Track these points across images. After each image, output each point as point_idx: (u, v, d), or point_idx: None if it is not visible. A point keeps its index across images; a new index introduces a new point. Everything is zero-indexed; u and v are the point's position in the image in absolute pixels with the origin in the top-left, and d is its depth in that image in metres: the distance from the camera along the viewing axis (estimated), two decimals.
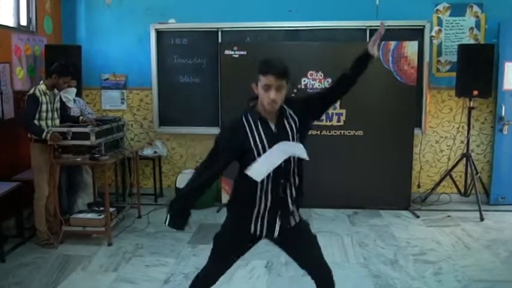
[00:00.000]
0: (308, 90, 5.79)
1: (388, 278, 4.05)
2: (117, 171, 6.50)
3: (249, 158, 2.59)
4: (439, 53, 6.21)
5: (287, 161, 2.57)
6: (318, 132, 5.85)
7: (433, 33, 6.15)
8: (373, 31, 6.02)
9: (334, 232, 5.18)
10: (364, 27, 6.07)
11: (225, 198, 6.01)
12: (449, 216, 5.74)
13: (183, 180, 6.07)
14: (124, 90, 6.60)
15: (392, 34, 5.89)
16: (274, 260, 4.39)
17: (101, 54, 6.50)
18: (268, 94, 2.51)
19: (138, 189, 5.86)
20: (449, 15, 6.14)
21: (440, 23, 6.16)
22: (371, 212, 5.87)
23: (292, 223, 2.74)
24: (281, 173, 2.58)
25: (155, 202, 6.38)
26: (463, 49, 5.78)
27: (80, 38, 6.52)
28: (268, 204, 2.65)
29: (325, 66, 5.77)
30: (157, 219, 5.61)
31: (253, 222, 2.69)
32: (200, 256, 4.48)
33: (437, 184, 6.22)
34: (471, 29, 6.12)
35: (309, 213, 5.79)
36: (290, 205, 2.70)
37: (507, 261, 4.40)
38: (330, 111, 5.79)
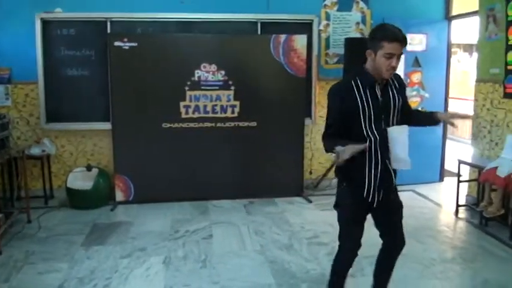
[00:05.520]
0: (201, 82, 5.76)
1: (283, 262, 4.18)
2: (4, 174, 6.04)
3: (354, 122, 2.69)
4: (327, 46, 6.48)
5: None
6: (213, 124, 5.87)
7: (321, 27, 6.40)
8: (264, 24, 6.17)
9: (231, 222, 5.25)
10: (255, 20, 6.16)
11: (119, 196, 5.85)
12: None
13: (74, 179, 5.80)
14: (8, 85, 6.12)
15: (282, 28, 6.11)
16: (172, 254, 4.35)
17: None
18: (390, 61, 2.59)
19: (27, 192, 5.47)
20: (337, 10, 6.44)
21: (328, 17, 6.42)
22: (266, 200, 6.01)
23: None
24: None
25: (45, 204, 5.96)
26: (349, 42, 6.03)
27: None
28: (378, 172, 2.75)
29: (218, 59, 5.76)
30: (49, 223, 5.28)
31: (366, 189, 2.78)
32: (94, 258, 4.28)
33: (328, 170, 6.49)
34: (357, 23, 6.46)
35: (205, 204, 5.82)
36: (393, 176, 2.83)
37: None
38: (225, 103, 5.84)
